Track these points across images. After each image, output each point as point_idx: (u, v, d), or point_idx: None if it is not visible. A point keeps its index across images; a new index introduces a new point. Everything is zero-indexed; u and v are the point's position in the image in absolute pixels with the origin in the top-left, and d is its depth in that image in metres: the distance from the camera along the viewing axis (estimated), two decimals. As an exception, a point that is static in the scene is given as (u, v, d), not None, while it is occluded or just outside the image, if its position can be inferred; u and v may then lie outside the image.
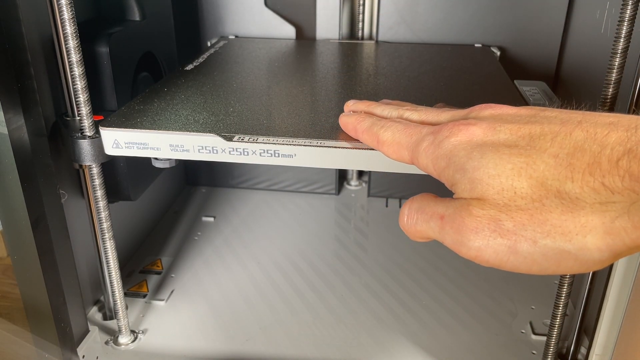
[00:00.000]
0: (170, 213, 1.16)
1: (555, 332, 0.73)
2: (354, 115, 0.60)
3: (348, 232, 1.09)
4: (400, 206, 1.18)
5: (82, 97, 0.65)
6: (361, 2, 1.10)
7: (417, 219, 0.49)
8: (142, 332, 0.82)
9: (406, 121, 0.54)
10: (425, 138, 0.49)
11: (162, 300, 0.89)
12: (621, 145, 0.39)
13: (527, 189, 0.40)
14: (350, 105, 0.64)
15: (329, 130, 0.64)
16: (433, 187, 1.11)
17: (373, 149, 0.59)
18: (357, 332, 0.83)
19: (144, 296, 0.90)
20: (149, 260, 1.00)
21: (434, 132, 0.48)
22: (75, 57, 0.63)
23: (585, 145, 0.40)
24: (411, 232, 0.49)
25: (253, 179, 1.23)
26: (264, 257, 1.01)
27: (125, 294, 0.89)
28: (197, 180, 1.27)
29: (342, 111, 0.69)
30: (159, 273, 0.96)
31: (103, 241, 0.74)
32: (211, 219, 1.14)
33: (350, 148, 0.59)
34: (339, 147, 0.59)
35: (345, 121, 0.60)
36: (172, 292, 0.91)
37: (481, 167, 0.43)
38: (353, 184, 1.28)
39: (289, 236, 1.07)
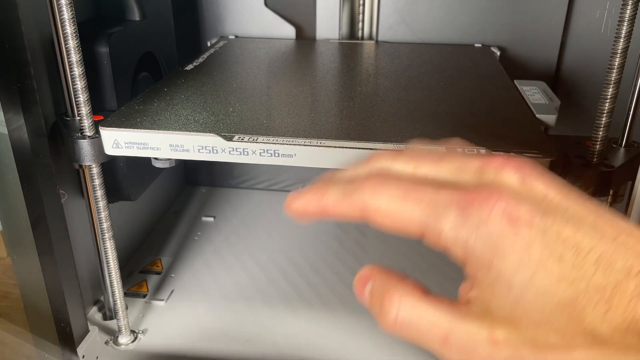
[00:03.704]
0: (170, 213, 1.16)
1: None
2: (304, 191, 0.43)
3: (348, 232, 1.09)
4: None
5: (82, 97, 0.65)
6: (361, 2, 1.10)
7: (406, 326, 0.38)
8: (142, 332, 0.82)
9: (400, 176, 0.41)
10: (449, 210, 0.37)
11: (162, 300, 0.89)
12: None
13: (565, 327, 0.34)
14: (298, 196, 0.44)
15: (328, 130, 0.64)
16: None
17: (374, 149, 0.59)
18: (357, 333, 0.83)
19: (144, 296, 0.90)
20: (148, 260, 1.00)
21: (462, 203, 0.37)
22: (75, 57, 0.63)
23: (621, 277, 0.33)
24: (390, 329, 0.38)
25: (253, 179, 1.24)
26: (264, 257, 1.01)
27: (125, 294, 0.89)
28: (197, 180, 1.27)
29: (342, 111, 0.69)
30: (159, 273, 0.96)
31: (103, 241, 0.74)
32: (211, 219, 1.14)
33: (350, 148, 0.60)
34: (339, 147, 0.59)
35: (301, 205, 0.43)
36: (172, 292, 0.91)
37: (531, 289, 0.34)
38: None
39: (289, 236, 1.07)
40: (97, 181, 0.70)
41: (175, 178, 1.22)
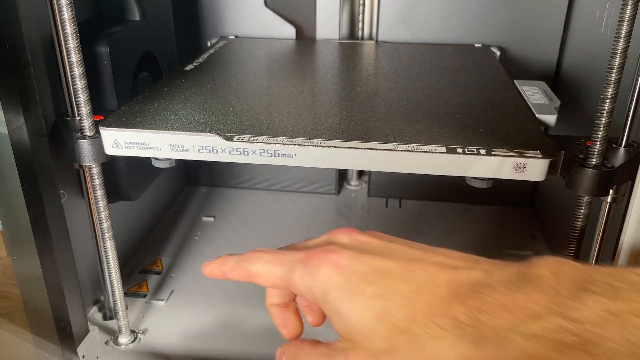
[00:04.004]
0: (170, 213, 1.16)
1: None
2: (215, 259, 0.60)
3: None
4: (400, 206, 1.18)
5: (82, 97, 0.65)
6: (361, 2, 1.10)
7: None
8: (142, 332, 0.82)
9: (270, 250, 0.57)
10: (297, 267, 0.52)
11: (162, 300, 0.90)
12: (448, 287, 0.47)
13: (384, 332, 0.47)
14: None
15: (329, 130, 0.64)
16: (433, 188, 1.11)
17: (374, 149, 0.59)
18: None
19: (144, 296, 0.90)
20: (149, 260, 1.00)
21: (304, 260, 0.52)
22: (75, 57, 0.63)
23: (426, 285, 0.48)
24: None
25: (253, 178, 1.24)
26: None
27: (125, 294, 0.89)
28: (197, 180, 1.28)
29: (342, 111, 0.69)
30: (159, 273, 0.96)
31: (103, 241, 0.74)
32: (211, 219, 1.14)
33: (350, 148, 0.60)
34: (338, 147, 0.60)
35: (210, 270, 0.60)
36: (172, 292, 0.92)
37: (351, 313, 0.48)
38: (353, 184, 1.28)
39: (289, 236, 1.07)
40: (97, 181, 0.70)
41: (175, 178, 1.22)
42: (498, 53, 1.01)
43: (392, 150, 0.59)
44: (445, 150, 0.59)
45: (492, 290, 0.45)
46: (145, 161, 0.68)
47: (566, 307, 0.42)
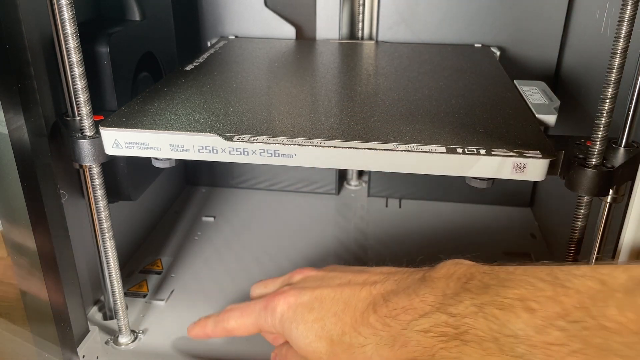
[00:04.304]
0: (170, 213, 1.16)
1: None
2: (197, 322, 0.76)
3: (348, 232, 1.09)
4: (400, 206, 1.18)
5: (82, 97, 0.65)
6: (361, 2, 1.10)
7: None
8: (142, 332, 0.82)
9: (238, 305, 0.72)
10: (260, 313, 0.67)
11: (162, 300, 0.89)
12: (367, 300, 0.60)
13: (326, 347, 0.60)
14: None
15: (328, 130, 0.64)
16: (433, 188, 1.11)
17: (374, 149, 0.59)
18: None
19: (144, 296, 0.90)
20: (149, 260, 1.00)
21: (265, 306, 0.67)
22: (75, 57, 0.63)
23: (350, 302, 0.61)
24: None
25: (253, 179, 1.24)
26: (264, 257, 1.01)
27: (125, 294, 0.89)
28: (197, 180, 1.28)
29: (342, 111, 0.69)
30: (159, 273, 0.96)
31: (103, 241, 0.74)
32: (211, 219, 1.14)
33: (350, 148, 0.60)
34: (339, 147, 0.60)
35: (195, 333, 0.75)
36: (172, 292, 0.92)
37: (299, 338, 0.62)
38: (353, 184, 1.28)
39: (289, 236, 1.07)
40: (97, 181, 0.70)
41: (175, 178, 1.22)
42: (498, 53, 1.01)
43: (392, 150, 0.59)
44: (445, 150, 0.59)
45: (397, 297, 0.57)
46: (146, 161, 0.68)
47: (447, 304, 0.52)
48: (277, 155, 0.61)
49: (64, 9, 0.61)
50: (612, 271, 0.46)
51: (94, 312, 0.86)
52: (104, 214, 0.72)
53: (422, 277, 0.58)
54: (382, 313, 0.57)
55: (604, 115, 0.58)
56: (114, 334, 0.82)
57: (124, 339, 0.81)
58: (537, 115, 0.69)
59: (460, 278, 0.55)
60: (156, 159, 0.66)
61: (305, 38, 1.11)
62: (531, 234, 1.08)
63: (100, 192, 0.71)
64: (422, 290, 0.56)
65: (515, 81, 0.82)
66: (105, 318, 0.85)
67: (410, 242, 1.05)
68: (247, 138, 0.61)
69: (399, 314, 0.55)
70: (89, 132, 0.66)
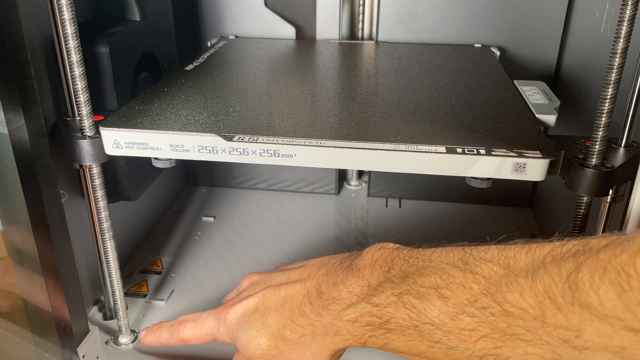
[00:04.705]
0: (170, 213, 1.16)
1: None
2: (150, 329, 0.77)
3: (348, 232, 1.09)
4: (400, 206, 1.18)
5: (82, 97, 0.65)
6: (361, 2, 1.10)
7: None
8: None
9: (192, 317, 0.73)
10: (214, 323, 0.70)
11: (162, 300, 0.90)
12: (302, 293, 0.63)
13: (267, 342, 0.63)
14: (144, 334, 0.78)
15: (328, 130, 0.64)
16: (433, 188, 1.11)
17: (374, 149, 0.59)
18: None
19: (144, 296, 0.91)
20: (149, 260, 1.00)
21: (217, 316, 0.69)
22: (75, 57, 0.63)
23: (288, 297, 0.64)
24: None
25: (253, 179, 1.24)
26: (264, 257, 1.01)
27: (126, 294, 0.89)
28: (197, 180, 1.28)
29: (342, 111, 0.69)
30: (159, 273, 0.96)
31: (103, 241, 0.74)
32: (211, 219, 1.14)
33: (350, 148, 0.60)
34: (338, 147, 0.60)
35: (149, 341, 0.76)
36: (172, 292, 0.92)
37: (243, 339, 0.65)
38: (353, 184, 1.28)
39: (289, 236, 1.07)
40: (98, 181, 0.70)
41: (175, 178, 1.22)
42: (498, 53, 1.01)
43: (391, 150, 0.59)
44: (445, 151, 0.59)
45: (328, 288, 0.61)
46: (146, 161, 0.68)
47: (371, 294, 0.56)
48: (277, 155, 0.61)
49: (64, 9, 0.61)
50: (517, 253, 0.48)
51: (94, 312, 0.86)
52: (104, 214, 0.72)
53: (350, 265, 0.61)
54: (316, 304, 0.61)
55: (604, 115, 0.58)
56: (114, 334, 0.82)
57: (124, 339, 0.81)
58: (537, 116, 0.69)
59: (382, 266, 0.58)
60: (156, 159, 0.66)
61: (305, 38, 1.12)
62: (531, 234, 1.08)
63: (100, 192, 0.71)
64: (349, 280, 0.59)
65: (515, 81, 0.82)
66: (105, 318, 0.85)
67: (410, 243, 1.04)
68: (247, 138, 0.61)
69: (330, 304, 0.59)
70: (89, 132, 0.66)
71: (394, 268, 0.57)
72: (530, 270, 0.45)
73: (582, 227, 0.65)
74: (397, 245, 0.62)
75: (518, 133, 0.64)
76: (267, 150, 0.60)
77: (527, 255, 0.47)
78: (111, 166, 0.79)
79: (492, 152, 0.58)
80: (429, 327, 0.51)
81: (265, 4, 1.09)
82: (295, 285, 0.65)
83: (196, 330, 0.71)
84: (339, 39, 1.10)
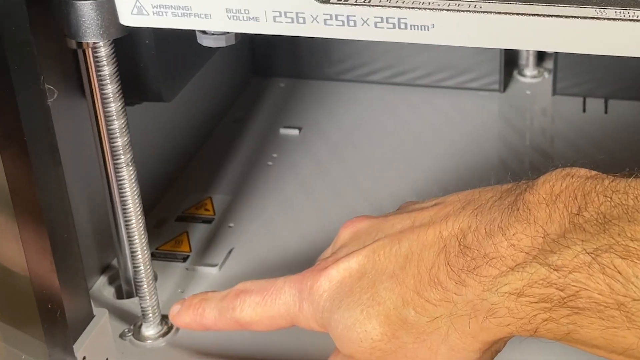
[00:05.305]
0: (227, 123, 1.17)
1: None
2: (188, 306, 0.76)
3: (517, 150, 1.10)
4: (606, 111, 1.19)
5: None
6: None
7: None
8: (181, 319, 0.82)
9: (257, 284, 0.72)
10: (293, 297, 0.68)
11: (214, 265, 0.90)
12: (435, 246, 0.59)
13: (379, 328, 0.60)
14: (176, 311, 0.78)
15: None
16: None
17: (563, 16, 0.56)
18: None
19: (184, 259, 0.91)
20: (192, 201, 1.01)
21: (299, 284, 0.68)
22: None
23: (413, 253, 0.61)
24: None
25: (363, 66, 1.24)
26: (378, 192, 1.02)
27: (153, 256, 0.88)
28: (271, 69, 1.28)
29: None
30: (208, 221, 0.97)
31: (116, 168, 0.74)
32: (295, 132, 1.15)
33: (524, 15, 0.57)
34: (504, 14, 0.57)
35: (183, 321, 0.76)
36: (230, 252, 0.92)
37: (338, 321, 0.63)
38: (528, 74, 1.27)
39: (421, 158, 1.08)
40: (108, 69, 0.69)
41: (236, 66, 1.22)
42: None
43: (593, 18, 0.57)
44: None
45: (477, 239, 0.57)
46: (186, 39, 0.67)
47: (549, 251, 0.52)
48: (403, 26, 0.59)
49: None
50: None
51: (102, 286, 0.87)
52: (117, 124, 0.72)
53: (514, 203, 0.57)
54: (458, 266, 0.57)
55: None
56: (134, 322, 0.82)
57: (150, 329, 0.81)
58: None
59: (568, 204, 0.54)
60: (204, 33, 0.66)
61: None
62: None
63: (111, 88, 0.70)
64: (513, 225, 0.55)
65: None
66: (119, 296, 0.86)
67: (618, 168, 1.03)
68: (352, -1, 0.60)
69: (480, 267, 0.55)
70: (93, -14, 0.65)
71: (588, 209, 0.52)
72: None
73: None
74: (594, 173, 0.57)
75: None
76: (388, 18, 0.58)
77: None
78: (130, 46, 0.79)
79: None
80: None
81: None
82: (425, 234, 0.61)
83: (264, 308, 0.69)
84: None
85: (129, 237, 0.77)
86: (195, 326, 0.74)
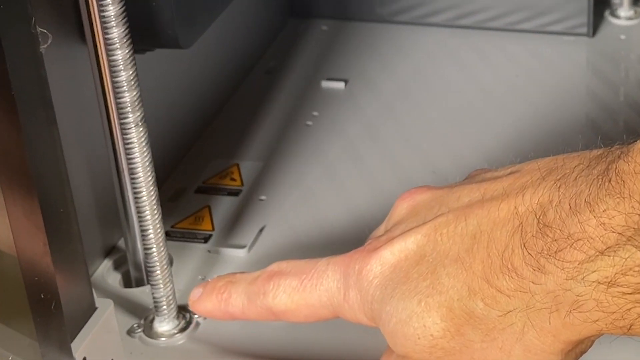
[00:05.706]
0: (258, 74, 1.16)
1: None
2: (211, 289, 0.75)
3: (609, 108, 1.09)
4: None
5: None
6: None
7: None
8: (201, 312, 0.82)
9: (295, 265, 0.72)
10: (337, 283, 0.68)
11: (243, 247, 0.90)
12: (509, 224, 0.58)
13: (440, 323, 0.60)
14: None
15: None
16: None
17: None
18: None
19: (206, 239, 0.91)
20: (215, 169, 1.01)
21: (345, 267, 0.67)
22: None
23: (482, 232, 0.60)
24: None
25: (422, 5, 1.24)
26: (442, 159, 1.02)
27: (168, 235, 0.88)
28: (311, 9, 1.28)
29: None
30: (235, 193, 0.97)
31: (123, 128, 0.74)
32: (340, 85, 1.14)
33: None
34: None
35: (206, 308, 0.75)
36: (261, 230, 0.92)
37: (390, 313, 0.62)
38: (623, 15, 1.26)
39: (491, 116, 1.08)
40: (113, 10, 0.69)
41: (268, 5, 1.22)
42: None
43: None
44: None
45: (560, 216, 0.55)
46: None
47: None
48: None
49: None
50: None
51: (106, 271, 0.87)
52: (124, 75, 0.71)
53: (604, 173, 0.54)
54: (536, 248, 0.55)
55: None
56: (144, 316, 0.82)
57: (164, 324, 0.80)
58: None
59: None
60: None
61: None
62: None
63: (118, 32, 0.70)
64: (604, 200, 0.52)
65: None
66: (128, 284, 0.86)
67: None
68: None
69: (563, 250, 0.53)
70: None
71: None
72: None
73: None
74: None
75: None
76: None
77: None
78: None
79: None
80: None
81: None
82: (497, 210, 0.59)
83: (301, 294, 0.69)
84: None
85: (138, 212, 0.77)
86: (218, 314, 0.73)
